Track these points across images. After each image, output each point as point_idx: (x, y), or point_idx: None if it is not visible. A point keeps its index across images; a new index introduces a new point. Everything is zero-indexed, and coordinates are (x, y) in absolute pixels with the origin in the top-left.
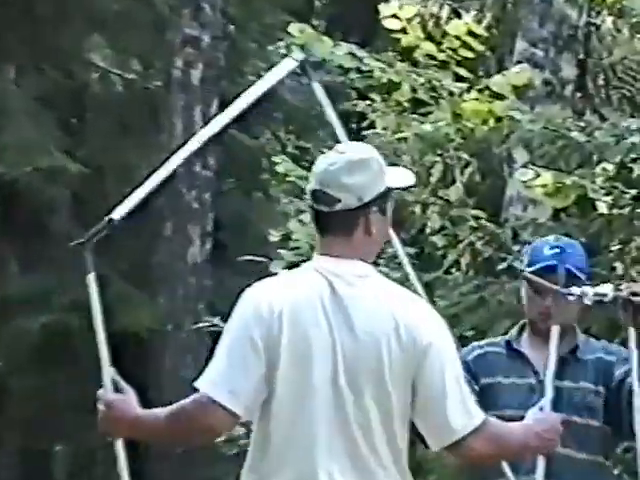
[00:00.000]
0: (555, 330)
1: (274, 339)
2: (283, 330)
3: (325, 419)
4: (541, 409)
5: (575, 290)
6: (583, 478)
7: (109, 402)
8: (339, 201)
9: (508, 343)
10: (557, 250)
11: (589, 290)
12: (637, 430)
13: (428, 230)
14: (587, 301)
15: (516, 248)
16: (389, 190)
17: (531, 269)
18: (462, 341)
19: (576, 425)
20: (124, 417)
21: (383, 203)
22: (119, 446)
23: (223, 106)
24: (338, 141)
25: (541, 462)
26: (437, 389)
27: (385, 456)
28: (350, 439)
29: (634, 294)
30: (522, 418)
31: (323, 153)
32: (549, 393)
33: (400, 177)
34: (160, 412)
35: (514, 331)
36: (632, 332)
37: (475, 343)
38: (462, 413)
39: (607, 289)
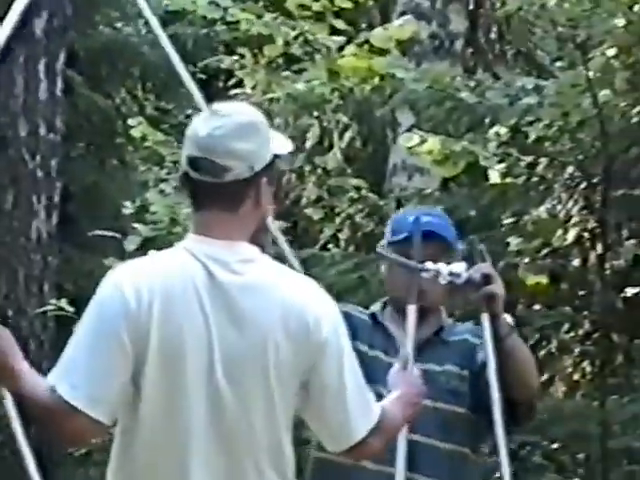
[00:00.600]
0: (412, 310)
1: (142, 334)
2: (152, 324)
3: (199, 425)
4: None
5: (430, 266)
6: (445, 470)
7: None
8: (228, 170)
9: (373, 315)
10: (425, 219)
11: (444, 268)
12: (496, 421)
13: (303, 201)
14: (442, 280)
15: None
16: (275, 157)
17: (393, 239)
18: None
19: (440, 411)
20: (7, 362)
21: (271, 171)
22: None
23: (71, 60)
24: (205, 97)
25: (401, 449)
26: (335, 389)
27: (266, 464)
28: (227, 451)
29: (485, 276)
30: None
31: (187, 115)
32: (410, 346)
33: (281, 142)
34: (41, 389)
35: (378, 305)
36: (485, 317)
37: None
38: (362, 413)
39: (461, 268)
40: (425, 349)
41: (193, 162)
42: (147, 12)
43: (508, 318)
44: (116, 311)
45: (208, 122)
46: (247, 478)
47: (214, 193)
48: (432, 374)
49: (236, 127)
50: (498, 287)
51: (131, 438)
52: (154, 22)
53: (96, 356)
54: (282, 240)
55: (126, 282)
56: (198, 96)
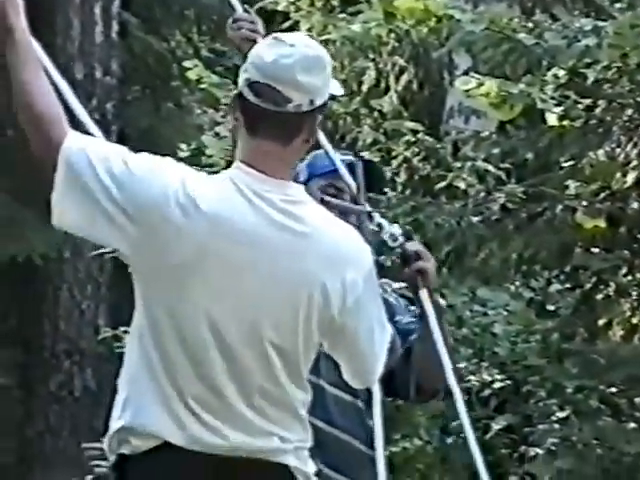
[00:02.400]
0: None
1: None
2: (191, 237)
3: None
4: None
5: (376, 218)
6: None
7: None
8: (290, 101)
9: None
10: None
11: (385, 224)
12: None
13: (359, 144)
14: (383, 235)
15: (457, 165)
16: (331, 97)
17: (319, 172)
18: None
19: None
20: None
21: (325, 110)
22: None
23: (126, 3)
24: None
25: None
26: (366, 344)
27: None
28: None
29: (417, 253)
30: None
31: (243, 55)
32: None
33: (335, 83)
34: (37, 70)
35: None
36: (425, 292)
37: None
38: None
39: (397, 231)
40: None
41: (254, 87)
42: None
43: (440, 299)
44: (171, 190)
45: (274, 49)
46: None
47: (272, 121)
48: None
49: (303, 58)
50: (430, 264)
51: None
52: None
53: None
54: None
55: (190, 186)
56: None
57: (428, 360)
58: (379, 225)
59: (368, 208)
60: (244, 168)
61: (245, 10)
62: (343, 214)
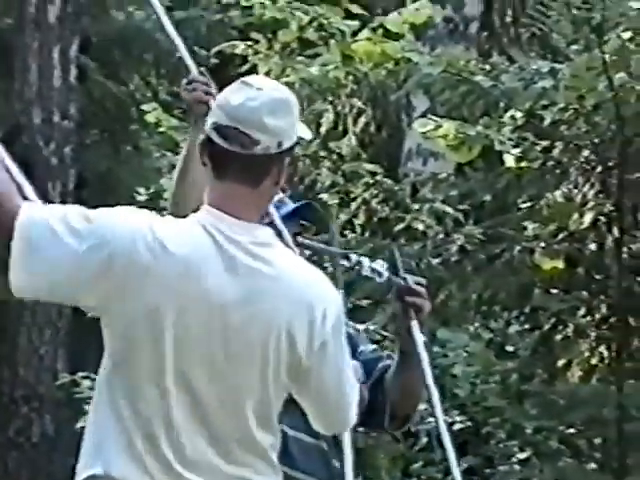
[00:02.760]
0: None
1: (141, 278)
2: (157, 280)
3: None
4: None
5: (353, 257)
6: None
7: None
8: (257, 143)
9: None
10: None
11: (365, 261)
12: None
13: (318, 187)
14: (364, 272)
15: (416, 207)
16: (298, 139)
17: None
18: (355, 312)
19: None
20: None
21: (292, 152)
22: None
23: (85, 47)
24: (218, 81)
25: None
26: (334, 385)
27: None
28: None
29: (409, 290)
30: None
31: None
32: None
33: (302, 126)
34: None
35: None
36: (416, 325)
37: None
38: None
39: (382, 267)
40: None
41: (222, 130)
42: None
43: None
44: (132, 238)
45: (241, 92)
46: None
47: (240, 164)
48: None
49: (270, 101)
50: (426, 302)
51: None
52: (158, 7)
53: (72, 250)
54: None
55: (157, 230)
56: (182, 48)
57: (404, 390)
58: (358, 263)
59: (337, 250)
60: (213, 212)
61: (200, 72)
62: (316, 255)
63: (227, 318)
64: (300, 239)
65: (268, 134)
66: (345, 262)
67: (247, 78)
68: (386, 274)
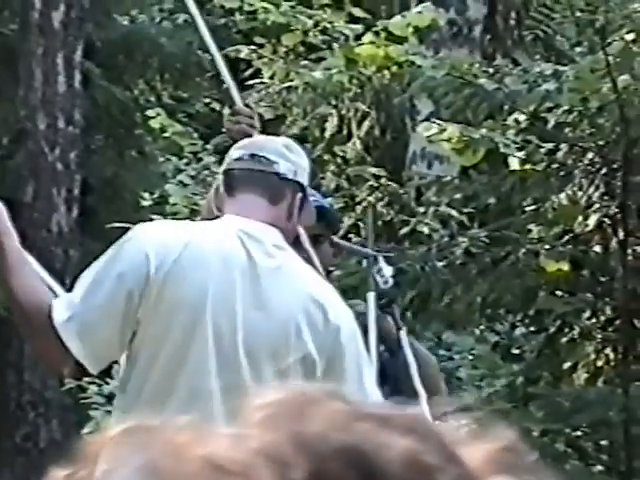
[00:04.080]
0: (371, 297)
1: (157, 296)
2: (174, 288)
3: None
4: None
5: (381, 260)
6: None
7: None
8: (276, 163)
9: None
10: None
11: (386, 269)
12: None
13: (323, 191)
14: (376, 276)
15: (421, 210)
16: (305, 193)
17: None
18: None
19: None
20: None
21: (302, 201)
22: None
23: (89, 52)
24: (221, 85)
25: None
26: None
27: None
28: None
29: None
30: None
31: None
32: (372, 336)
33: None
34: (34, 279)
35: None
36: (403, 334)
37: None
38: None
39: (390, 273)
40: None
41: (242, 159)
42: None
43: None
44: (134, 271)
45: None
46: None
47: (257, 180)
48: None
49: (284, 143)
50: None
51: (134, 395)
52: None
53: (101, 307)
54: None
55: (151, 244)
56: (229, 80)
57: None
58: (379, 270)
59: (370, 251)
60: (232, 216)
61: (245, 105)
62: (350, 255)
63: (248, 315)
64: (335, 239)
65: (284, 160)
66: (378, 275)
67: None
68: (391, 281)
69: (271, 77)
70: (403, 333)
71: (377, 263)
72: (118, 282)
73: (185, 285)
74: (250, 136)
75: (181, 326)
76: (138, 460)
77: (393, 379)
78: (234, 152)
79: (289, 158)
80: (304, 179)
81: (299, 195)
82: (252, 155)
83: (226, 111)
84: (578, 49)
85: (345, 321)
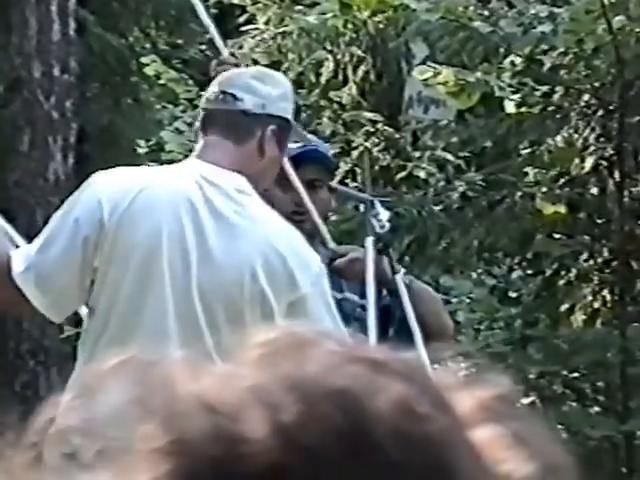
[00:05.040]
0: (369, 241)
1: (113, 240)
2: (127, 232)
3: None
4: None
5: (377, 204)
6: None
7: None
8: (239, 100)
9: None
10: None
11: (383, 213)
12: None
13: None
14: (372, 220)
15: (417, 154)
16: (289, 124)
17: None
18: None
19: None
20: None
21: (281, 133)
22: None
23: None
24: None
25: None
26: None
27: None
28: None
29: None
30: None
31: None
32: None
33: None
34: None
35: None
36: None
37: None
38: None
39: (386, 217)
40: None
41: (210, 97)
42: None
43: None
44: (88, 217)
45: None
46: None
47: (223, 121)
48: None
49: (258, 71)
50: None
51: (98, 334)
52: None
53: (58, 256)
54: (293, 176)
55: (105, 190)
56: (213, 30)
57: None
58: (376, 214)
59: (367, 196)
60: (194, 160)
61: (231, 54)
62: (346, 200)
63: (203, 257)
64: (333, 184)
65: (251, 93)
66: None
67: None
68: (387, 225)
69: (266, 22)
70: (398, 277)
71: (374, 208)
72: (74, 229)
73: (139, 230)
74: None
75: (137, 271)
76: (131, 393)
77: (399, 320)
78: (209, 90)
79: (258, 91)
80: (278, 109)
81: (271, 127)
82: (221, 92)
83: (213, 62)
84: None
85: (307, 267)
